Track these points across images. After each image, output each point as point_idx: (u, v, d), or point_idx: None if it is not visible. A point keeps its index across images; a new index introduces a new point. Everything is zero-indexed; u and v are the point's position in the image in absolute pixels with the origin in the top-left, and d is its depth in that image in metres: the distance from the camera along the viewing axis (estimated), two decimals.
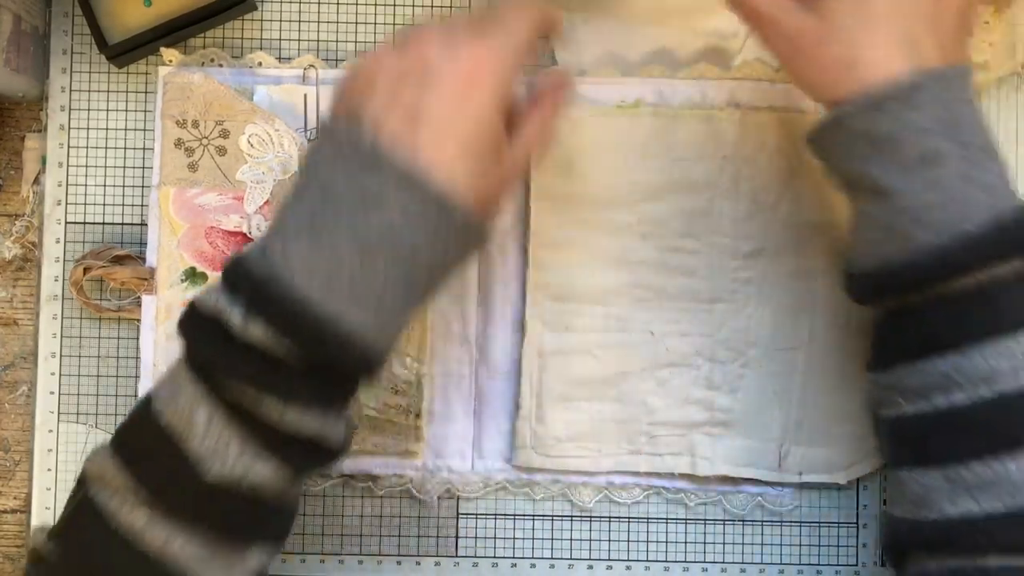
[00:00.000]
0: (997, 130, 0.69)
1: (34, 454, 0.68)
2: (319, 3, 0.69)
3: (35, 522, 0.68)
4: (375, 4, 0.69)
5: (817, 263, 0.68)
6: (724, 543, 0.68)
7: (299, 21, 0.69)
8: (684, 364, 0.67)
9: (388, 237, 0.48)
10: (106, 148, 0.69)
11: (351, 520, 0.68)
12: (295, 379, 0.49)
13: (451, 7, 0.69)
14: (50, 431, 0.68)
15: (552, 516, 0.68)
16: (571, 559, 0.68)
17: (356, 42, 0.69)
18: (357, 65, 0.53)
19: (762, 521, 0.68)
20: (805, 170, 0.67)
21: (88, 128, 0.69)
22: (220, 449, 0.49)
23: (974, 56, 0.66)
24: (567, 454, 0.67)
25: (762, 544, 0.68)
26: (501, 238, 0.68)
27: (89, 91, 0.69)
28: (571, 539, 0.68)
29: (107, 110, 0.69)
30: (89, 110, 0.69)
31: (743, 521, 0.68)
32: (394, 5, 0.69)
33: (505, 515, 0.68)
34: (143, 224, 0.69)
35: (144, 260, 0.68)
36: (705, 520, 0.68)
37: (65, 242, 0.69)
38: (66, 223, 0.69)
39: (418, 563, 0.68)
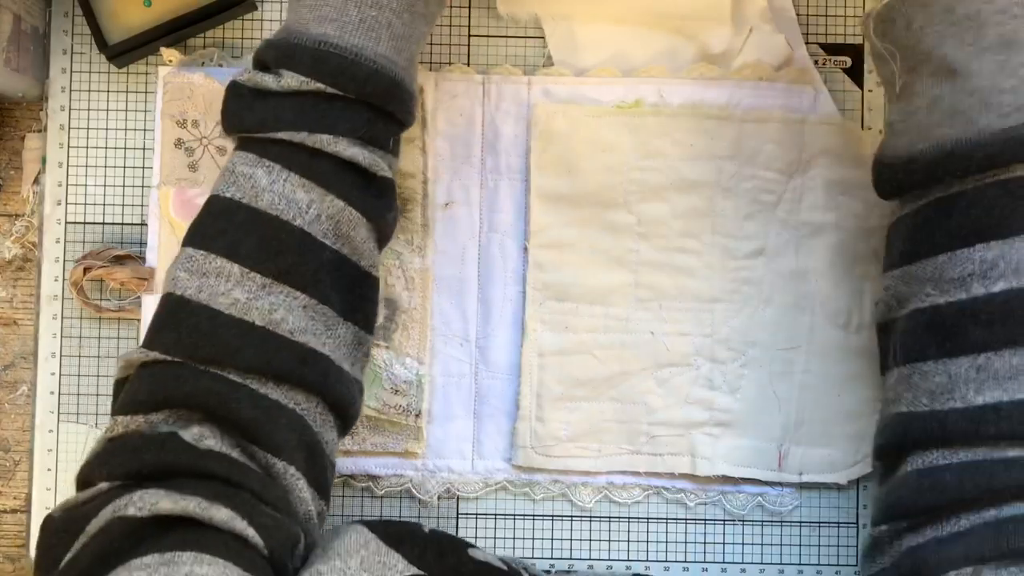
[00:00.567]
0: None
1: (34, 454, 0.68)
2: None
3: (35, 522, 0.68)
4: None
5: (817, 263, 0.68)
6: (724, 543, 0.68)
7: None
8: (684, 364, 0.67)
9: None
10: (106, 148, 0.69)
11: (351, 520, 0.68)
12: (337, 113, 0.54)
13: (451, 7, 0.69)
14: (50, 431, 0.68)
15: (552, 516, 0.68)
16: (571, 559, 0.68)
17: None
18: None
19: (762, 521, 0.68)
20: (805, 170, 0.67)
21: (88, 128, 0.69)
22: (289, 198, 0.53)
23: None
24: (567, 454, 0.67)
25: (762, 544, 0.68)
26: (501, 238, 0.68)
27: (89, 91, 0.69)
28: (571, 539, 0.68)
29: (107, 110, 0.69)
30: (89, 110, 0.69)
31: (743, 521, 0.68)
32: None
33: (505, 515, 0.68)
34: (143, 224, 0.69)
35: (144, 260, 0.68)
36: (705, 520, 0.68)
37: (65, 242, 0.69)
38: (66, 223, 0.69)
39: None
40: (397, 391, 0.67)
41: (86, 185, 0.69)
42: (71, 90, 0.69)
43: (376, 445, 0.67)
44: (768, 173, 0.67)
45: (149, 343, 0.52)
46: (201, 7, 0.66)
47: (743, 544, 0.68)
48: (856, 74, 0.69)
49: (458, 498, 0.68)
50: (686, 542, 0.68)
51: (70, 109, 0.69)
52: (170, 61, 0.67)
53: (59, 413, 0.68)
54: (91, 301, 0.68)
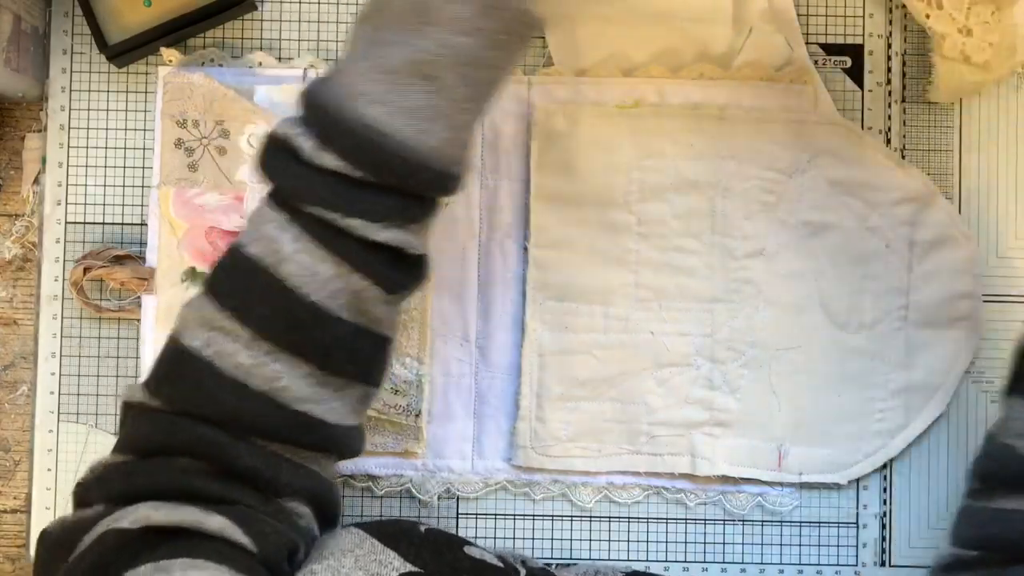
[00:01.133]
0: (997, 130, 0.69)
1: (34, 454, 0.68)
2: (319, 3, 0.69)
3: (35, 522, 0.68)
4: None
5: (817, 263, 0.68)
6: (724, 543, 0.68)
7: (299, 21, 0.69)
8: (684, 364, 0.67)
9: (445, 48, 0.50)
10: (106, 148, 0.69)
11: (351, 520, 0.68)
12: (375, 198, 0.51)
13: None
14: (50, 431, 0.68)
15: (552, 516, 0.68)
16: (571, 559, 0.68)
17: None
18: None
19: (762, 521, 0.68)
20: (805, 170, 0.67)
21: (88, 128, 0.69)
22: (312, 270, 0.51)
23: (974, 56, 0.66)
24: (567, 454, 0.67)
25: (762, 544, 0.68)
26: (501, 238, 0.68)
27: (89, 91, 0.69)
28: (571, 539, 0.68)
29: (107, 110, 0.69)
30: (89, 110, 0.69)
31: (743, 521, 0.68)
32: None
33: (505, 515, 0.68)
34: (143, 224, 0.69)
35: (144, 260, 0.68)
36: (705, 520, 0.68)
37: (65, 242, 0.69)
38: (66, 223, 0.69)
39: None
40: (397, 391, 0.67)
41: (86, 185, 0.69)
42: (71, 90, 0.69)
43: (376, 445, 0.67)
44: (768, 173, 0.67)
45: (153, 389, 0.52)
46: (201, 7, 0.66)
47: (743, 544, 0.68)
48: (856, 74, 0.69)
49: (458, 498, 0.68)
50: (686, 542, 0.68)
51: (70, 109, 0.69)
52: (170, 61, 0.67)
53: (59, 413, 0.68)
54: (91, 301, 0.68)
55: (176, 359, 0.52)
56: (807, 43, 0.69)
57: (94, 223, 0.69)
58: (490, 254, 0.68)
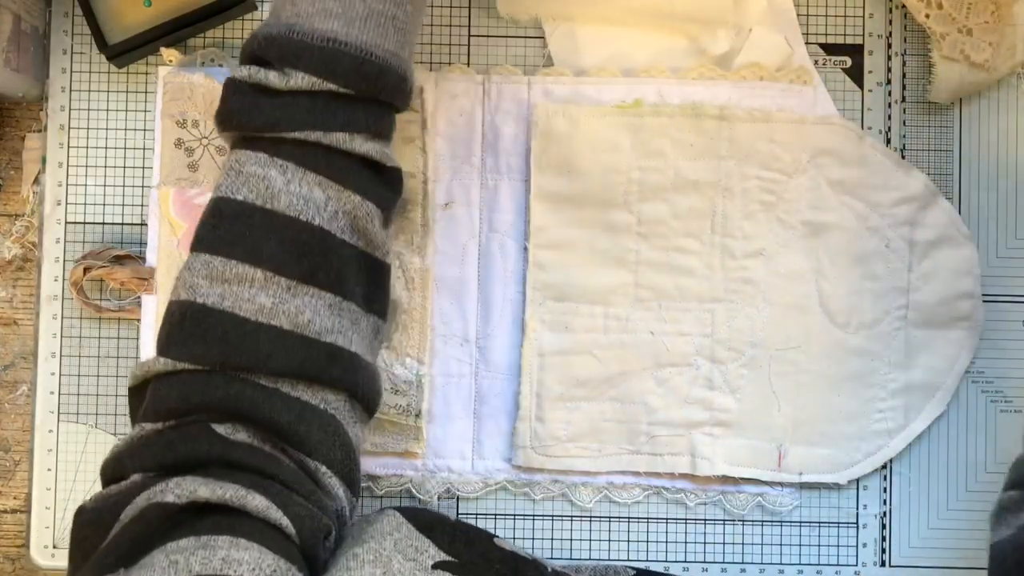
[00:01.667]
0: (997, 130, 0.69)
1: (34, 454, 0.68)
2: None
3: (35, 522, 0.68)
4: None
5: (817, 263, 0.68)
6: (724, 543, 0.68)
7: None
8: (684, 364, 0.67)
9: None
10: (106, 148, 0.69)
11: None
12: (349, 110, 0.53)
13: (450, 7, 0.69)
14: (50, 431, 0.68)
15: (552, 516, 0.68)
16: (571, 559, 0.68)
17: None
18: None
19: (762, 521, 0.68)
20: (805, 170, 0.67)
21: (88, 128, 0.69)
22: (306, 197, 0.52)
23: (974, 56, 0.66)
24: (567, 454, 0.67)
25: (762, 544, 0.68)
26: (501, 238, 0.68)
27: (89, 91, 0.69)
28: (571, 539, 0.68)
29: (107, 110, 0.69)
30: (89, 110, 0.69)
31: (743, 521, 0.68)
32: None
33: (505, 515, 0.68)
34: (143, 224, 0.69)
35: (144, 260, 0.68)
36: (705, 520, 0.68)
37: (65, 242, 0.69)
38: (66, 223, 0.69)
39: None
40: (397, 391, 0.67)
41: (86, 185, 0.69)
42: (71, 90, 0.69)
43: (376, 445, 0.67)
44: (768, 173, 0.67)
45: (175, 353, 0.52)
46: (201, 7, 0.66)
47: (743, 544, 0.68)
48: (856, 74, 0.69)
49: (458, 498, 0.68)
50: (686, 542, 0.68)
51: (70, 109, 0.69)
52: (170, 61, 0.67)
53: (59, 413, 0.68)
54: (91, 301, 0.68)
55: (195, 318, 0.52)
56: (807, 43, 0.69)
57: (94, 223, 0.69)
58: (490, 254, 0.68)
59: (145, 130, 0.69)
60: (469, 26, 0.69)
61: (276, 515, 0.48)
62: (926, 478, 0.68)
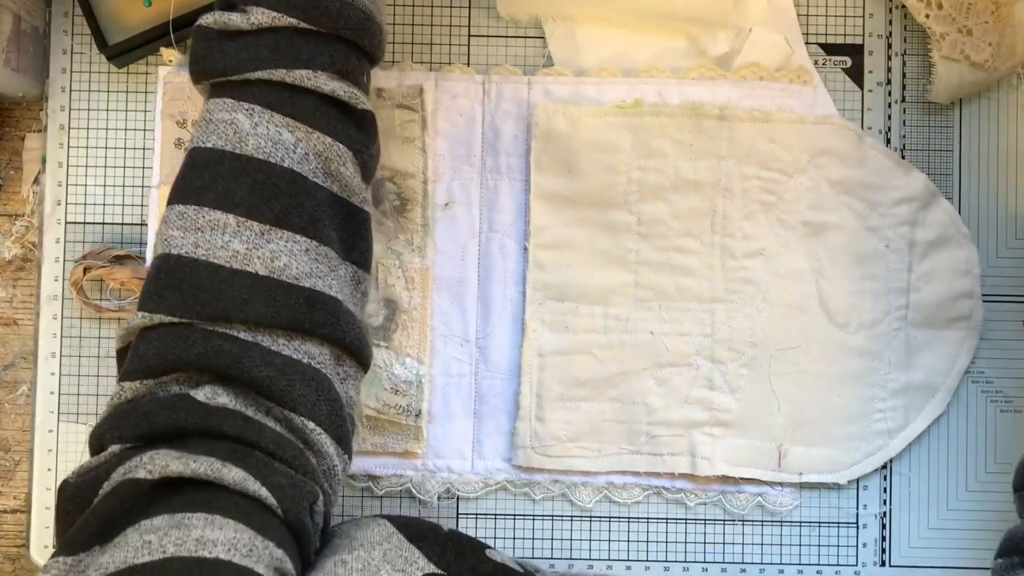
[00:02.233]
0: (997, 130, 0.69)
1: (34, 454, 0.68)
2: None
3: (35, 522, 0.68)
4: None
5: (817, 263, 0.68)
6: (724, 543, 0.68)
7: None
8: (684, 364, 0.67)
9: None
10: (106, 148, 0.69)
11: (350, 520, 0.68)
12: (312, 47, 0.53)
13: (450, 7, 0.69)
14: (50, 431, 0.68)
15: (552, 516, 0.68)
16: (571, 559, 0.68)
17: None
18: None
19: (762, 521, 0.68)
20: (805, 170, 0.67)
21: (88, 128, 0.69)
22: (275, 139, 0.52)
23: (974, 56, 0.66)
24: (567, 454, 0.67)
25: (762, 544, 0.68)
26: (501, 238, 0.68)
27: (89, 91, 0.69)
28: (571, 539, 0.68)
29: (107, 110, 0.69)
30: (89, 110, 0.69)
31: (743, 521, 0.68)
32: (393, 5, 0.69)
33: (505, 515, 0.68)
34: (143, 224, 0.69)
35: (144, 260, 0.68)
36: (705, 520, 0.68)
37: (65, 242, 0.69)
38: (66, 223, 0.69)
39: None
40: (397, 391, 0.67)
41: (86, 185, 0.69)
42: (71, 90, 0.69)
43: (376, 445, 0.67)
44: (768, 173, 0.67)
45: (151, 306, 0.51)
46: (201, 7, 0.66)
47: (743, 544, 0.68)
48: (856, 74, 0.69)
49: (458, 498, 0.68)
50: (686, 542, 0.68)
51: (70, 109, 0.69)
52: (170, 61, 0.67)
53: (59, 413, 0.68)
54: (91, 301, 0.68)
55: (170, 270, 0.51)
56: (807, 43, 0.69)
57: (94, 223, 0.69)
58: (490, 254, 0.68)
59: (145, 130, 0.69)
60: (469, 26, 0.69)
61: (254, 487, 0.46)
62: (926, 478, 0.68)
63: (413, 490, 0.68)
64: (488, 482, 0.68)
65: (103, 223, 0.69)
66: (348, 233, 0.55)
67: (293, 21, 0.52)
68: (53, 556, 0.46)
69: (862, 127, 0.69)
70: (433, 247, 0.68)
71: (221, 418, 0.49)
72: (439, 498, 0.68)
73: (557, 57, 0.69)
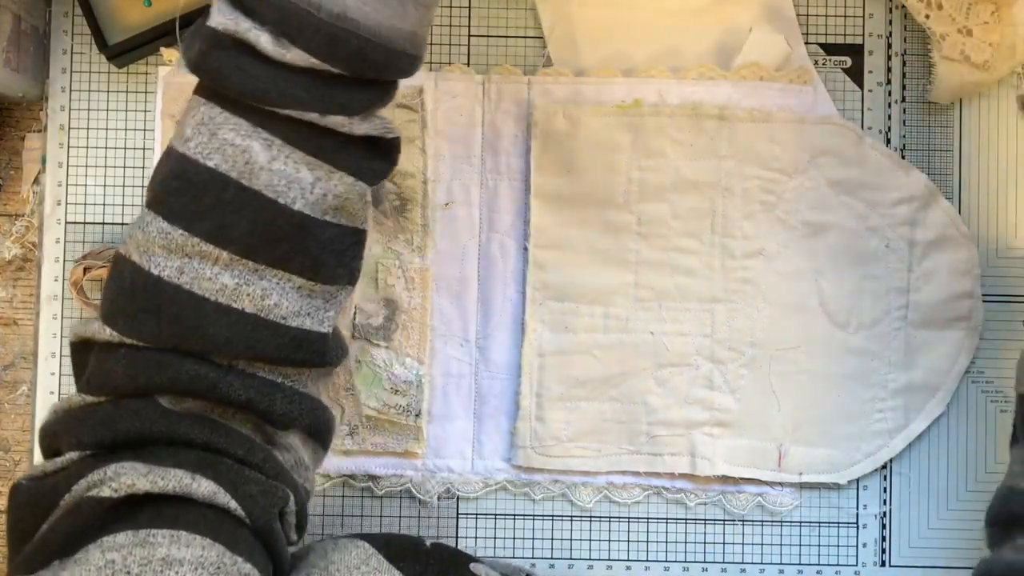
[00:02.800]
0: (997, 130, 0.69)
1: (34, 454, 0.68)
2: None
3: None
4: None
5: (817, 263, 0.68)
6: (724, 543, 0.68)
7: None
8: (684, 364, 0.67)
9: None
10: (106, 148, 0.69)
11: (351, 520, 0.68)
12: (349, 93, 0.47)
13: (450, 7, 0.69)
14: None
15: (552, 516, 0.68)
16: (571, 559, 0.68)
17: None
18: None
19: (762, 521, 0.68)
20: (805, 170, 0.67)
21: (88, 128, 0.69)
22: (292, 177, 0.47)
23: (974, 56, 0.66)
24: (567, 454, 0.67)
25: (762, 544, 0.68)
26: (501, 238, 0.68)
27: (89, 91, 0.69)
28: (571, 539, 0.68)
29: (107, 110, 0.69)
30: (89, 110, 0.69)
31: (743, 521, 0.68)
32: None
33: (505, 515, 0.68)
34: None
35: None
36: (705, 520, 0.68)
37: (65, 242, 0.69)
38: (66, 223, 0.69)
39: None
40: (397, 391, 0.67)
41: (86, 185, 0.69)
42: (71, 90, 0.69)
43: (376, 445, 0.67)
44: (768, 173, 0.67)
45: (122, 326, 0.47)
46: (201, 7, 0.66)
47: (743, 544, 0.68)
48: (856, 74, 0.69)
49: (458, 498, 0.68)
50: (686, 542, 0.68)
51: (70, 109, 0.69)
52: (170, 61, 0.67)
53: None
54: (91, 301, 0.68)
55: (148, 291, 0.47)
56: (807, 43, 0.69)
57: (94, 223, 0.69)
58: (490, 254, 0.68)
59: (145, 130, 0.69)
60: (469, 26, 0.69)
61: (224, 499, 0.45)
62: (926, 478, 0.68)
63: (413, 490, 0.68)
64: (488, 482, 0.68)
65: (103, 223, 0.69)
66: (350, 260, 0.51)
67: (334, 71, 0.47)
68: (12, 573, 0.44)
69: (862, 127, 0.69)
70: (433, 247, 0.68)
71: (188, 425, 0.46)
72: (439, 498, 0.68)
73: (557, 57, 0.69)
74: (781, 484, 0.68)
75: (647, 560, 0.68)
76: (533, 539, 0.68)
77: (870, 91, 0.69)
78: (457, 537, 0.68)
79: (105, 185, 0.69)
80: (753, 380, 0.67)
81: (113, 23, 0.66)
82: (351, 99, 0.48)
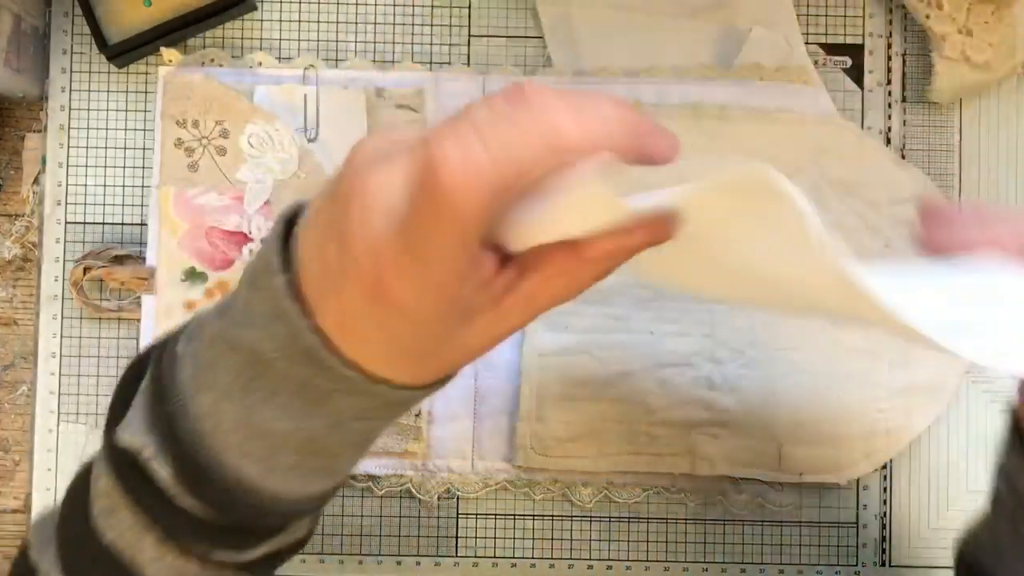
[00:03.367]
0: (997, 130, 0.69)
1: (34, 454, 0.68)
2: (319, 3, 0.69)
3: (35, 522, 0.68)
4: (375, 4, 0.69)
5: None
6: (724, 543, 0.68)
7: (299, 21, 0.69)
8: (684, 364, 0.67)
9: (335, 426, 0.42)
10: (106, 148, 0.69)
11: (351, 520, 0.68)
12: (247, 534, 0.43)
13: (450, 7, 0.69)
14: (50, 431, 0.68)
15: (552, 516, 0.68)
16: (571, 559, 0.68)
17: (356, 42, 0.69)
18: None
19: (762, 521, 0.68)
20: (805, 170, 0.67)
21: (88, 128, 0.69)
22: (179, 571, 0.43)
23: (974, 56, 0.66)
24: (567, 454, 0.67)
25: (762, 544, 0.68)
26: None
27: (89, 91, 0.69)
28: (571, 539, 0.68)
29: (107, 110, 0.69)
30: (89, 110, 0.69)
31: (743, 521, 0.68)
32: (393, 5, 0.69)
33: (505, 515, 0.68)
34: (143, 224, 0.69)
35: (144, 260, 0.68)
36: (705, 520, 0.68)
37: (65, 242, 0.69)
38: (66, 223, 0.69)
39: (418, 563, 0.68)
40: None
41: (86, 185, 0.69)
42: (71, 90, 0.69)
43: (376, 445, 0.67)
44: None
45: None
46: (201, 7, 0.66)
47: (743, 544, 0.68)
48: (856, 74, 0.69)
49: (458, 498, 0.68)
50: (686, 542, 0.68)
51: (70, 109, 0.69)
52: (170, 61, 0.67)
53: (59, 413, 0.68)
54: (91, 301, 0.68)
55: None
56: (807, 43, 0.69)
57: (94, 223, 0.69)
58: None
59: (145, 130, 0.69)
60: (469, 26, 0.69)
61: None
62: (926, 478, 0.68)
63: (413, 490, 0.68)
64: (488, 482, 0.68)
65: (103, 223, 0.69)
66: None
67: (229, 523, 0.42)
68: None
69: (862, 127, 0.69)
70: None
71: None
72: (439, 498, 0.68)
73: (557, 57, 0.69)
74: (781, 484, 0.68)
75: (647, 560, 0.68)
76: (533, 539, 0.68)
77: (870, 91, 0.69)
78: (457, 537, 0.68)
79: (105, 185, 0.69)
80: (753, 380, 0.67)
81: (113, 23, 0.66)
82: (245, 539, 0.44)
